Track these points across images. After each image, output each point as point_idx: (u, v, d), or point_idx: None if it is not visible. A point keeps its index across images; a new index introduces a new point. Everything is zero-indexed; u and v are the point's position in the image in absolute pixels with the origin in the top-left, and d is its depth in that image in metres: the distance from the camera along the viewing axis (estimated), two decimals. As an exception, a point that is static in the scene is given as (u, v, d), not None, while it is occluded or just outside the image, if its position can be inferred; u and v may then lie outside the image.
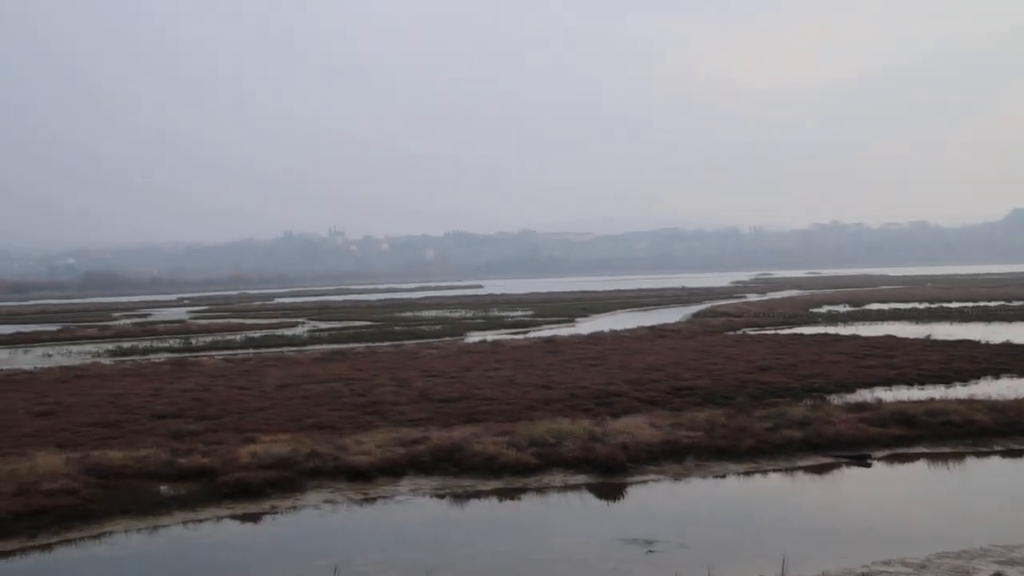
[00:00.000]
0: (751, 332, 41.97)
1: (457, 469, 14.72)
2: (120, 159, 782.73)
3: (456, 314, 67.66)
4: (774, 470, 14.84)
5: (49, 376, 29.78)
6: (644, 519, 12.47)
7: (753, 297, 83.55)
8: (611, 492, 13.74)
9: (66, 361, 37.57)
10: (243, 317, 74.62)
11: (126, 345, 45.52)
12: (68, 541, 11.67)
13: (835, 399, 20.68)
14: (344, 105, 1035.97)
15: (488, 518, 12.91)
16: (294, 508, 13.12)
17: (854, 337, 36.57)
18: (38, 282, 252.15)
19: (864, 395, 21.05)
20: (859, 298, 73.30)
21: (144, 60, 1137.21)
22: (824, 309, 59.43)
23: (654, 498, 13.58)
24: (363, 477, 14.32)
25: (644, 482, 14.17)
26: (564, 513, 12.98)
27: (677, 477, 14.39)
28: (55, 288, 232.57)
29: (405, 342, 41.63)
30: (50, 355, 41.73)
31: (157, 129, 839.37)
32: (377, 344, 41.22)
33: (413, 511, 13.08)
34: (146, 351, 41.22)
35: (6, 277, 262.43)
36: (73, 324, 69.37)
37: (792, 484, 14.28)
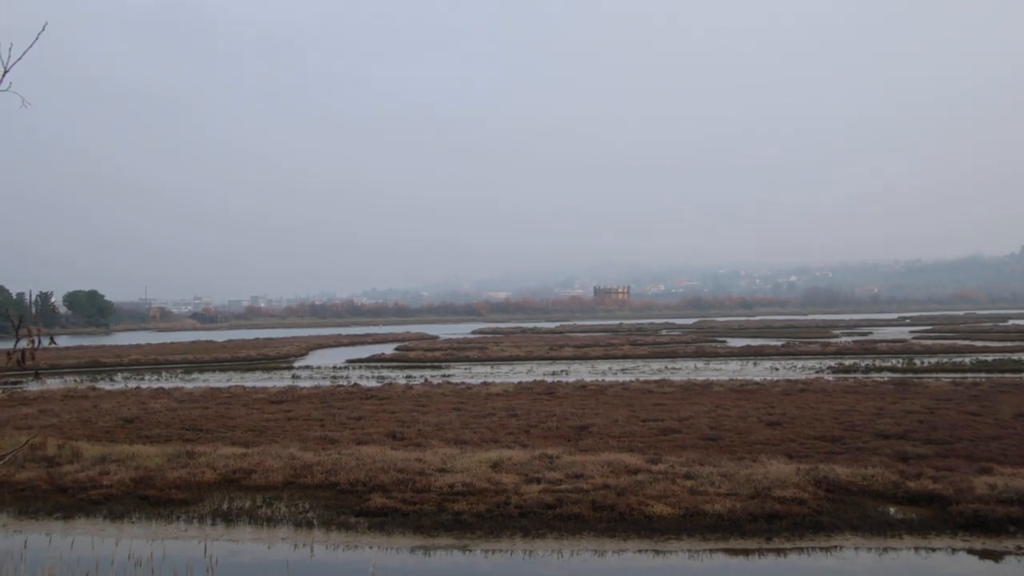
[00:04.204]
0: None
1: None
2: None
3: None
4: None
5: (775, 388, 31.27)
6: None
7: None
8: None
9: (791, 375, 39.23)
10: (970, 339, 70.11)
11: (847, 362, 46.01)
12: (800, 549, 11.92)
13: None
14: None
15: None
16: (1042, 552, 11.64)
17: None
18: (763, 299, 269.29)
19: None
20: None
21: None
22: None
23: None
24: None
25: None
26: None
27: None
28: (778, 304, 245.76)
29: None
30: (776, 368, 43.96)
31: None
32: None
33: None
34: (867, 369, 41.00)
35: (735, 294, 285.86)
36: (796, 339, 72.35)
37: None
